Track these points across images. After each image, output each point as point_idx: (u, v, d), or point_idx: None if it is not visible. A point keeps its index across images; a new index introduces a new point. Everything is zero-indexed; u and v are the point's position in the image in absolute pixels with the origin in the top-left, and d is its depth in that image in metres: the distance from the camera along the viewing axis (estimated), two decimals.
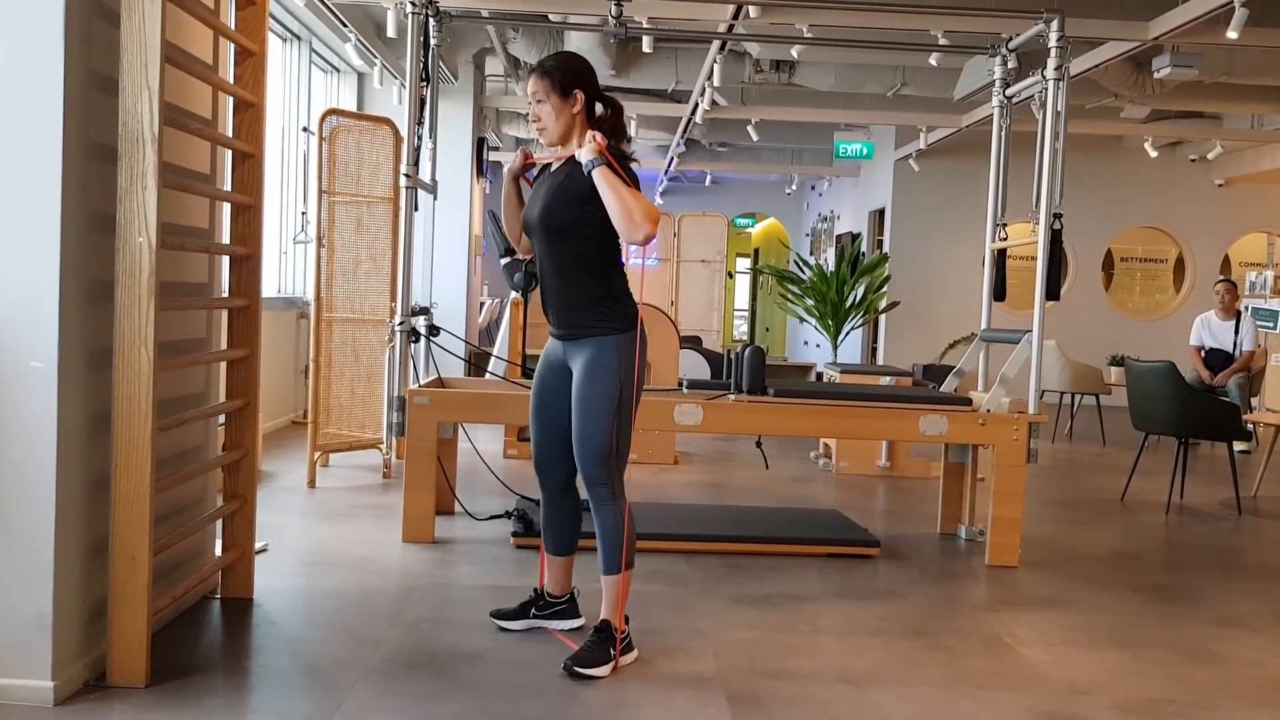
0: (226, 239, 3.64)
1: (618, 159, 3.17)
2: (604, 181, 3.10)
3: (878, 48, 7.25)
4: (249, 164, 3.56)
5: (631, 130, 12.34)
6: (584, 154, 3.15)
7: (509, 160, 3.52)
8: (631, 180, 3.17)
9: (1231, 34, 6.39)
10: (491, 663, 3.25)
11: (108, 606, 2.90)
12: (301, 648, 3.32)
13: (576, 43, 8.95)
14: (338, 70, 9.79)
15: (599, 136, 3.17)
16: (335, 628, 3.52)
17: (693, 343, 9.96)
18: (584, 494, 3.36)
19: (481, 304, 12.31)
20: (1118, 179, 13.32)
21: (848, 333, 12.39)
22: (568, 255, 3.27)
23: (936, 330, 12.68)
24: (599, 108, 3.31)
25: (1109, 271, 14.11)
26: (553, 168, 3.37)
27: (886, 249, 13.47)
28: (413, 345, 4.72)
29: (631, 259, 12.94)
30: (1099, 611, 4.15)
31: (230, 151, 3.59)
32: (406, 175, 4.71)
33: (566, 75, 3.27)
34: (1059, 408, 10.50)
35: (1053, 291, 4.88)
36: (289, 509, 5.30)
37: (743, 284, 22.22)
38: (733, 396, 4.86)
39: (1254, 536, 5.79)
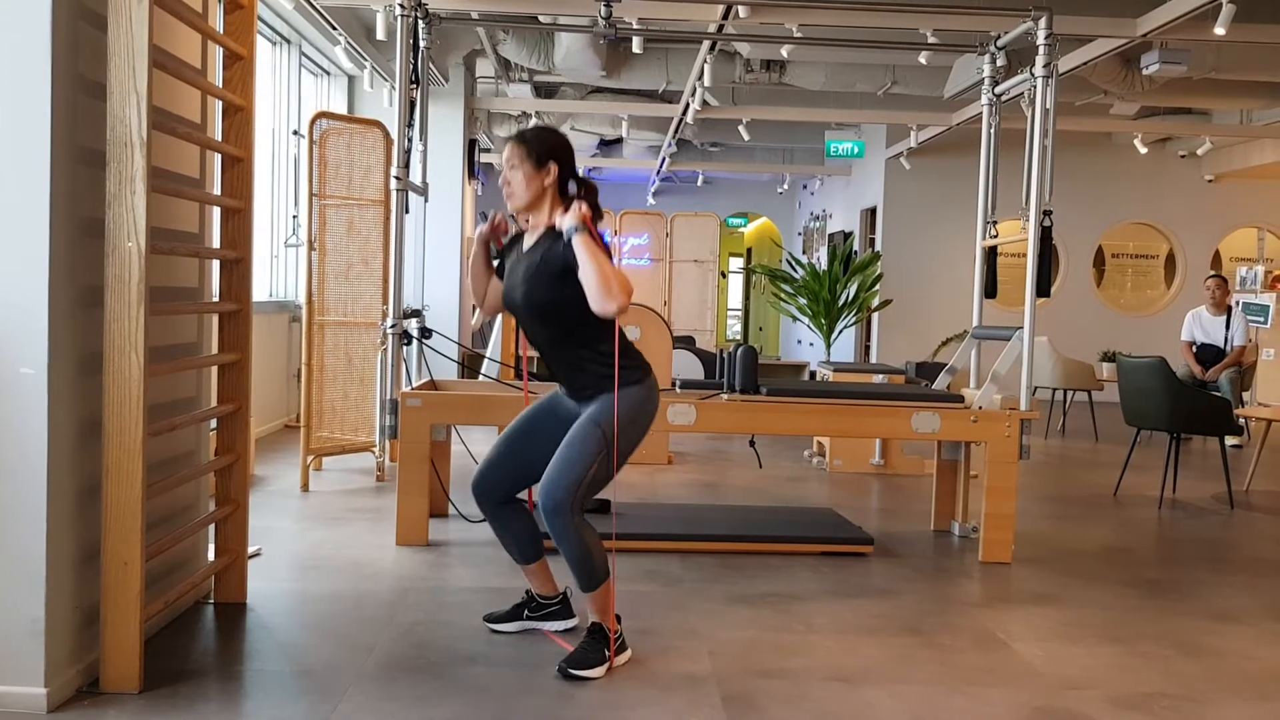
0: (217, 243, 3.64)
1: (597, 234, 3.19)
2: (584, 248, 3.09)
3: (867, 47, 7.27)
4: (239, 168, 3.55)
5: (623, 131, 12.40)
6: (567, 220, 3.16)
7: (479, 229, 3.52)
8: (608, 253, 3.18)
9: (1219, 30, 6.42)
10: (486, 665, 3.25)
11: (100, 612, 2.90)
12: (295, 652, 3.32)
13: (567, 43, 8.95)
14: (327, 73, 9.78)
15: (584, 206, 3.18)
16: (329, 632, 3.52)
17: (686, 343, 9.96)
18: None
19: (474, 306, 12.30)
20: (1108, 175, 13.36)
21: (840, 331, 12.40)
22: (559, 328, 3.28)
23: (929, 328, 12.70)
24: (573, 186, 3.32)
25: (1100, 268, 14.15)
26: (525, 243, 3.37)
27: (878, 247, 13.49)
28: (405, 348, 4.72)
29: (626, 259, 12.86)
30: (1092, 607, 4.16)
31: (220, 155, 3.59)
32: (397, 178, 4.71)
33: (543, 146, 3.29)
34: (1051, 404, 10.53)
35: (1043, 288, 4.90)
36: (282, 513, 5.29)
37: (735, 284, 22.23)
38: (726, 396, 4.87)
39: (1246, 531, 5.81)
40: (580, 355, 3.26)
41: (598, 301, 3.06)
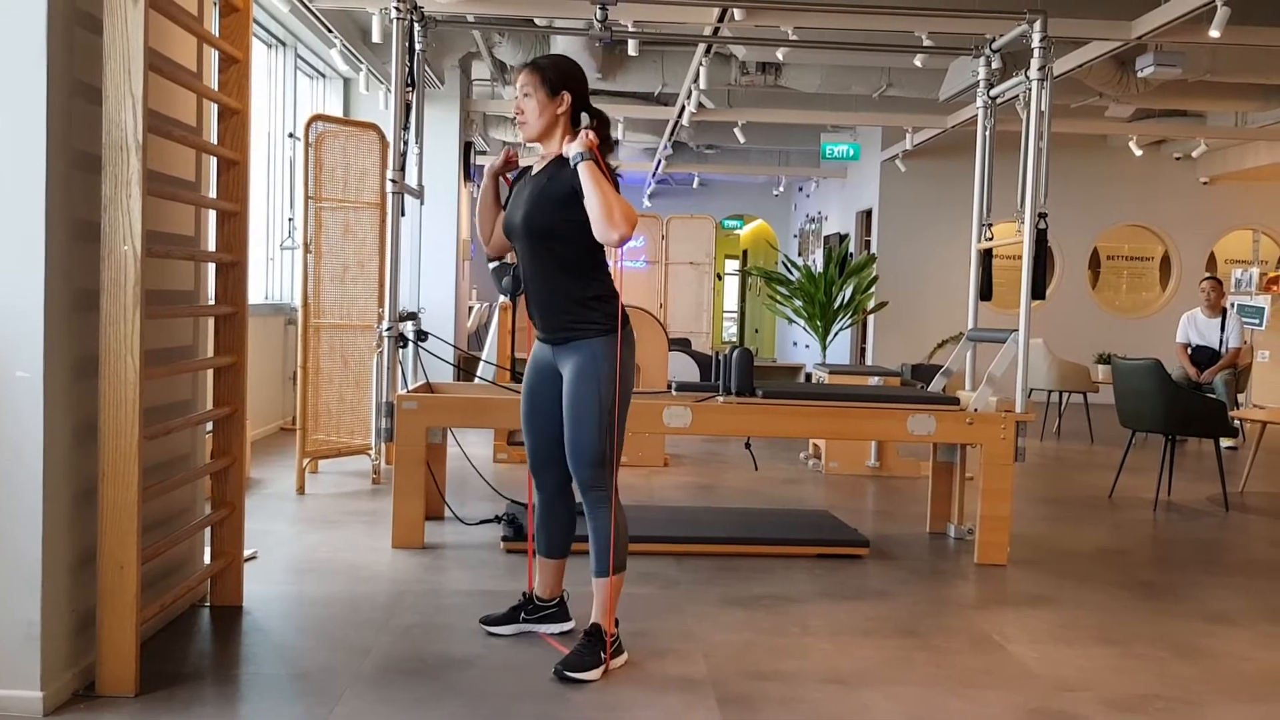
0: (212, 246, 3.63)
1: (604, 163, 3.18)
2: (589, 175, 3.09)
3: (863, 49, 7.27)
4: (234, 171, 3.56)
5: (619, 133, 12.40)
6: (574, 146, 3.15)
7: (489, 163, 3.53)
8: (614, 183, 3.18)
9: (1214, 32, 6.43)
10: (482, 668, 3.25)
11: (96, 615, 2.89)
12: (291, 655, 3.32)
13: (562, 46, 8.95)
14: (323, 76, 9.78)
15: (591, 134, 3.18)
16: (325, 635, 3.52)
17: (681, 345, 9.97)
18: (578, 497, 3.36)
19: (470, 308, 12.31)
20: (1103, 178, 13.38)
21: (836, 333, 12.42)
22: (550, 258, 3.27)
23: (924, 330, 12.72)
24: (585, 118, 3.30)
25: (1095, 270, 14.16)
26: (534, 171, 3.38)
27: (874, 250, 13.50)
28: (401, 350, 4.71)
29: (622, 260, 12.85)
30: (1087, 608, 4.16)
31: (215, 158, 3.59)
32: (393, 180, 4.71)
33: (557, 74, 3.28)
34: (1046, 406, 10.54)
35: (1038, 290, 4.90)
36: (278, 516, 5.29)
37: (731, 286, 22.25)
38: (721, 398, 4.87)
39: (1241, 532, 5.82)
40: (566, 295, 3.25)
41: (600, 228, 3.07)
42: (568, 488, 3.47)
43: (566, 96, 3.27)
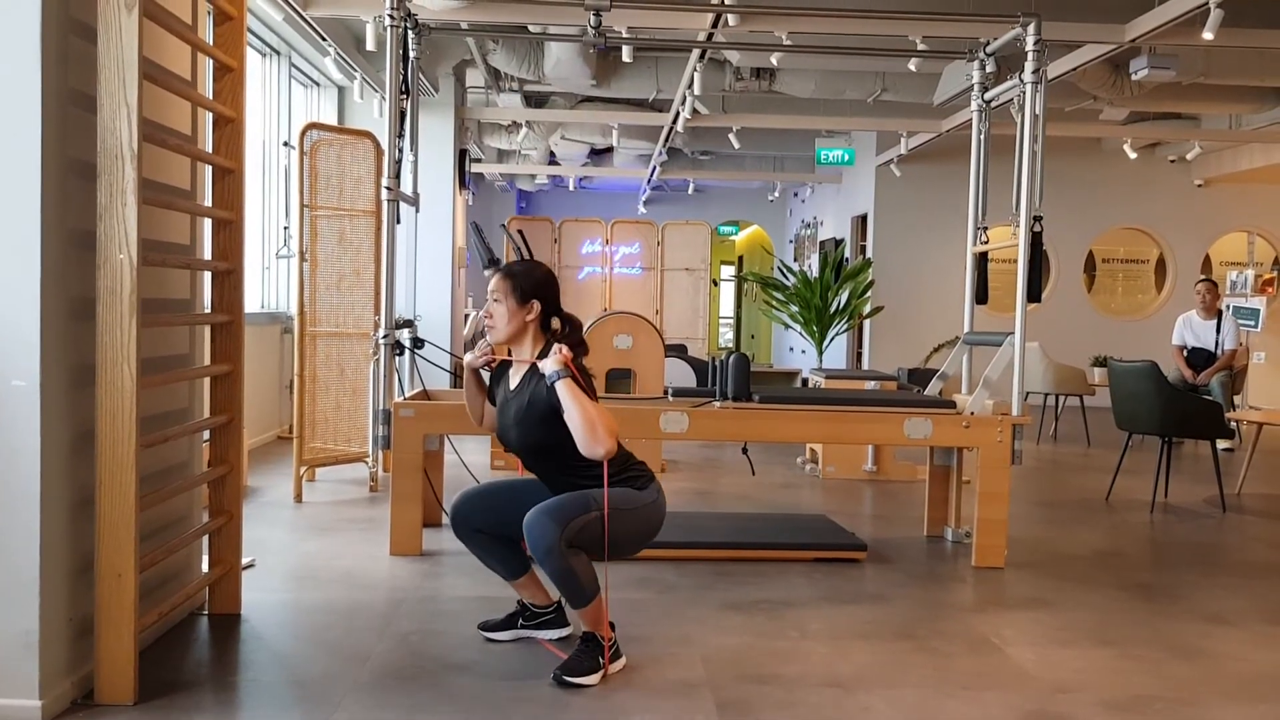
0: (208, 255, 3.64)
1: (580, 373, 3.22)
2: (568, 394, 3.13)
3: (857, 54, 7.30)
4: (229, 179, 3.56)
5: (614, 140, 12.42)
6: (549, 365, 3.20)
7: (468, 357, 3.56)
8: (592, 394, 3.22)
9: (1207, 35, 6.44)
10: (480, 674, 3.25)
11: (94, 624, 2.89)
12: (289, 662, 3.32)
13: (557, 53, 8.97)
14: (318, 84, 9.79)
15: (564, 350, 3.23)
16: (323, 642, 3.52)
17: (678, 351, 9.97)
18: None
19: (466, 315, 12.30)
20: (1098, 181, 13.40)
21: (833, 338, 12.44)
22: (555, 463, 3.32)
23: (921, 334, 12.73)
24: (555, 322, 3.36)
25: (1091, 273, 14.19)
26: (512, 379, 3.41)
27: (870, 254, 13.52)
28: (397, 358, 4.72)
29: (615, 268, 12.85)
30: (1084, 610, 4.17)
31: (210, 167, 3.59)
32: (388, 188, 4.71)
33: (529, 282, 3.35)
34: (1043, 409, 10.55)
35: (1034, 294, 4.91)
36: (275, 524, 5.29)
37: (727, 292, 22.27)
38: (718, 403, 4.88)
39: (1238, 534, 5.83)
40: (580, 482, 3.28)
41: (584, 446, 3.11)
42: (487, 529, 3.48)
43: (536, 305, 3.34)
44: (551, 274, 3.45)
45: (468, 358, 3.56)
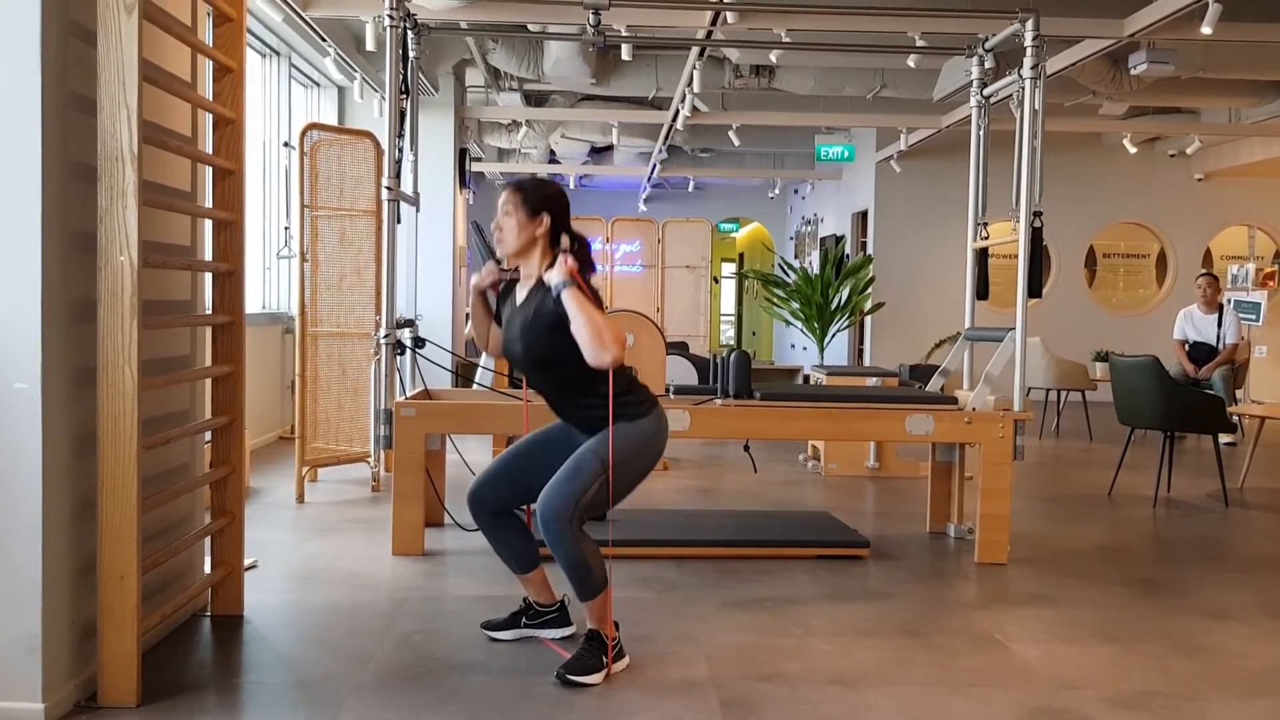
0: (209, 256, 3.64)
1: (587, 286, 3.22)
2: (573, 303, 3.13)
3: (856, 50, 7.29)
4: (230, 180, 3.56)
5: (614, 138, 12.42)
6: (554, 275, 3.19)
7: (474, 279, 3.55)
8: (599, 303, 3.21)
9: (1205, 29, 6.44)
10: (484, 673, 3.25)
11: (97, 626, 2.89)
12: (293, 663, 3.32)
13: (556, 51, 8.97)
14: (318, 85, 9.78)
15: (570, 260, 3.22)
16: (326, 643, 3.52)
17: (679, 348, 9.97)
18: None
19: (467, 315, 12.30)
20: (1098, 176, 13.39)
21: (834, 335, 12.43)
22: (559, 378, 3.32)
23: (922, 330, 12.72)
24: (564, 240, 3.33)
25: (1092, 268, 14.18)
26: (518, 294, 3.40)
27: (870, 250, 13.51)
28: (398, 358, 4.72)
29: (616, 266, 12.87)
30: (1088, 606, 4.17)
31: (211, 168, 3.59)
32: (388, 188, 4.71)
33: (538, 196, 3.33)
34: (1045, 405, 10.55)
35: (1035, 289, 4.91)
36: (278, 525, 5.29)
37: (728, 289, 22.26)
38: (720, 401, 4.88)
39: (1241, 528, 5.83)
40: (583, 399, 3.29)
41: (591, 354, 3.10)
42: (506, 511, 3.48)
43: (546, 219, 3.32)
44: (562, 191, 3.41)
45: (474, 279, 3.54)
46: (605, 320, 3.12)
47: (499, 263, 3.56)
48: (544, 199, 3.33)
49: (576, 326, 3.11)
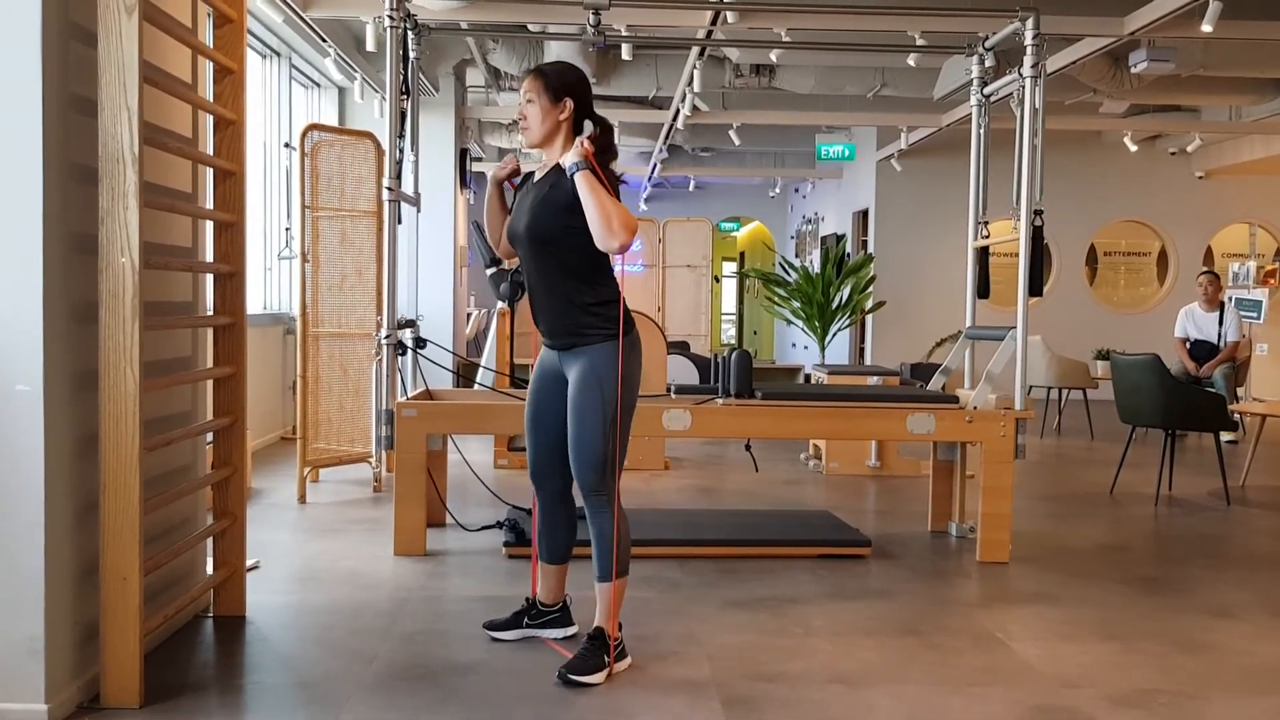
0: (210, 257, 3.64)
1: (604, 172, 3.19)
2: (585, 185, 3.12)
3: (856, 50, 7.29)
4: (231, 181, 3.56)
5: (614, 138, 12.39)
6: (570, 156, 3.18)
7: (493, 170, 3.54)
8: (614, 190, 3.19)
9: (1206, 27, 6.44)
10: (486, 673, 3.25)
11: (100, 628, 2.90)
12: (295, 664, 3.32)
13: (556, 51, 8.97)
14: (318, 85, 9.79)
15: (587, 142, 3.20)
16: (328, 643, 3.52)
17: (680, 348, 9.97)
18: (579, 502, 3.37)
19: (468, 315, 12.31)
20: (1098, 174, 13.39)
21: (835, 334, 12.43)
22: (555, 265, 3.27)
23: (923, 329, 12.72)
24: (589, 126, 3.30)
25: (1093, 266, 14.17)
26: (536, 178, 3.39)
27: (871, 249, 13.51)
28: (400, 358, 4.72)
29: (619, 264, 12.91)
30: (1089, 605, 4.17)
31: (211, 169, 3.59)
32: (389, 188, 4.71)
33: (560, 81, 3.30)
34: (1046, 403, 10.54)
35: (1036, 288, 4.91)
36: (279, 525, 5.29)
37: (729, 288, 22.26)
38: (721, 400, 4.88)
39: (1242, 526, 5.83)
40: (570, 301, 3.26)
41: (600, 237, 3.10)
42: (568, 493, 3.47)
43: (569, 103, 3.29)
44: (584, 75, 3.38)
45: (493, 170, 3.52)
46: (616, 205, 3.11)
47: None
48: (566, 84, 3.30)
49: (587, 207, 3.10)
